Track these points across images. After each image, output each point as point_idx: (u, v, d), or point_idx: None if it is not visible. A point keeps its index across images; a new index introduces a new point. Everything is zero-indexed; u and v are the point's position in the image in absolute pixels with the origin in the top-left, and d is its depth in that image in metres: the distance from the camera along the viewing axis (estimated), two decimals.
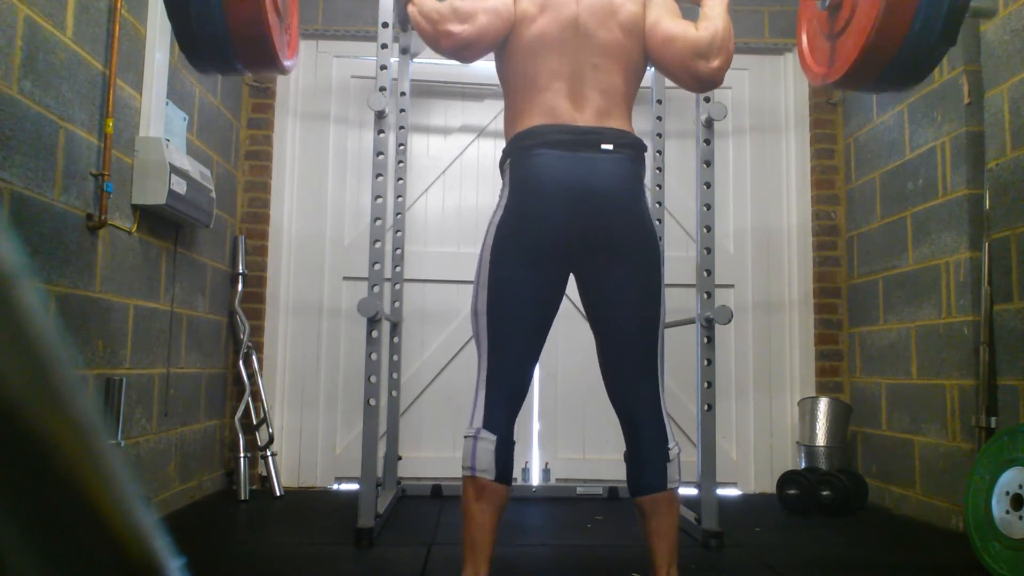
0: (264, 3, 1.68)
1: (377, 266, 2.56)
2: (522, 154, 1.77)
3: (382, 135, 2.59)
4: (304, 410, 3.57)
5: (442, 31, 1.76)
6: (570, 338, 3.42)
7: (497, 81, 1.92)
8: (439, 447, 3.55)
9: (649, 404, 1.76)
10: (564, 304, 1.87)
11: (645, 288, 1.77)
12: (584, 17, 1.80)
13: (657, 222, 2.92)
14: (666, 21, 1.81)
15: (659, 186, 3.22)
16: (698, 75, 1.77)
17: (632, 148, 1.78)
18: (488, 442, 1.69)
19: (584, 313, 1.88)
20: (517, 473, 3.50)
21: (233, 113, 3.51)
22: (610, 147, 1.74)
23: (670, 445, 1.74)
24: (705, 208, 2.67)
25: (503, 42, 1.83)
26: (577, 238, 1.74)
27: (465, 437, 1.74)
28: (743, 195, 3.78)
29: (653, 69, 1.99)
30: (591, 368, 1.93)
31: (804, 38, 2.10)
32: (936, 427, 2.90)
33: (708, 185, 2.67)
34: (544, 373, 3.55)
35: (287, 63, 1.91)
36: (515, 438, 1.77)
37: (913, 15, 1.73)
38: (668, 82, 3.28)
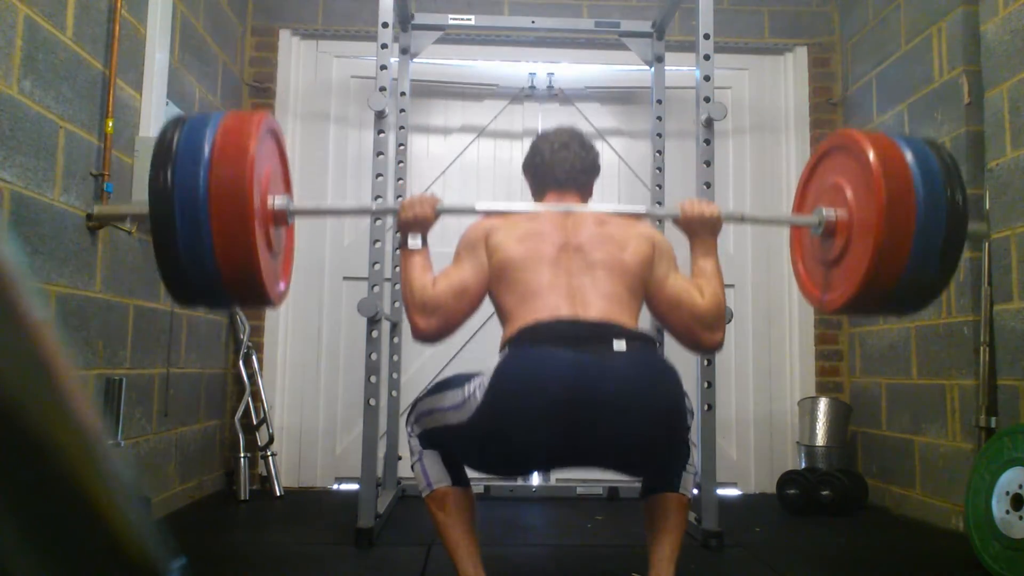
0: (258, 257, 1.54)
1: (377, 266, 2.56)
2: (519, 347, 1.63)
3: (382, 135, 2.60)
4: (304, 410, 3.57)
5: (410, 319, 1.73)
6: None
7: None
8: None
9: (682, 439, 1.85)
10: None
11: (676, 458, 1.82)
12: (580, 241, 1.75)
13: (658, 223, 2.93)
14: (672, 279, 1.77)
15: (659, 186, 3.22)
16: (700, 344, 1.80)
17: (647, 341, 1.68)
18: (432, 456, 1.76)
19: None
20: None
21: None
22: (622, 344, 1.58)
23: (690, 461, 1.85)
24: None
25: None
26: (575, 456, 1.65)
27: (412, 467, 1.80)
28: (743, 195, 3.77)
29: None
30: None
31: (800, 263, 2.01)
32: (936, 427, 2.90)
33: (708, 185, 2.66)
34: None
35: (279, 294, 1.80)
36: None
37: (907, 258, 1.64)
38: (668, 81, 3.28)
